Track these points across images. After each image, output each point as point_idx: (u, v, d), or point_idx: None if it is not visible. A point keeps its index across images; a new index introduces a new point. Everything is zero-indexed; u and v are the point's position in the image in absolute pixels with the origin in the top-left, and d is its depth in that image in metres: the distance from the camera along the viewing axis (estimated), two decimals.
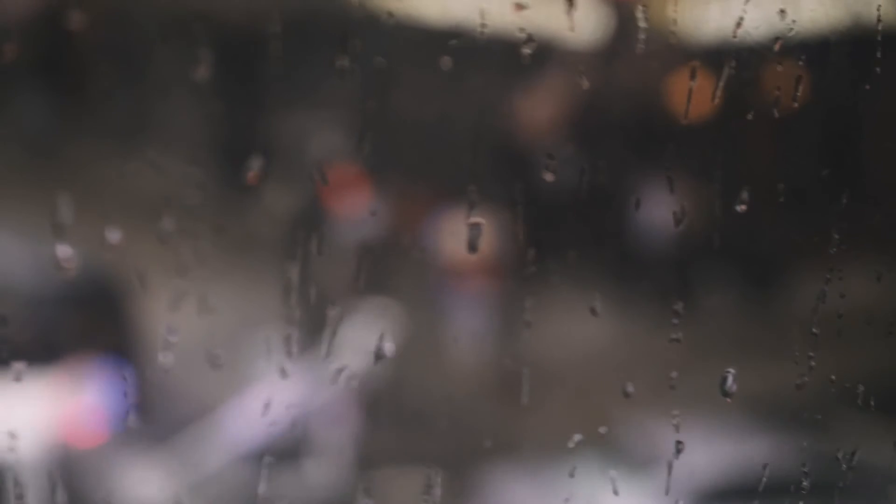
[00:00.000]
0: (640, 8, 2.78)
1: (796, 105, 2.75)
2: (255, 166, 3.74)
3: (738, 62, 2.56)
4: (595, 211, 5.76)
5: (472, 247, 3.70)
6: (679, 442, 2.96)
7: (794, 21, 2.63)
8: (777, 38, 2.60)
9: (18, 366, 2.83)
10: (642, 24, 2.72)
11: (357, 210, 6.17)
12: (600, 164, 3.66)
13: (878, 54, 2.86)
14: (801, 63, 2.74)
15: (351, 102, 4.56)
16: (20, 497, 2.95)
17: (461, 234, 3.63)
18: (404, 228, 6.42)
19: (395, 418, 6.22)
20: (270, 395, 5.18)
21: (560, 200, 4.11)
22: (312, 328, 4.94)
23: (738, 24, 2.51)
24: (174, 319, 3.04)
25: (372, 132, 4.27)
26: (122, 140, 6.88)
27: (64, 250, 2.70)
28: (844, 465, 3.12)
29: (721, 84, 2.71)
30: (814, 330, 2.91)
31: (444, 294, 6.85)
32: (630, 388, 3.35)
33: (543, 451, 5.28)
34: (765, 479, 3.14)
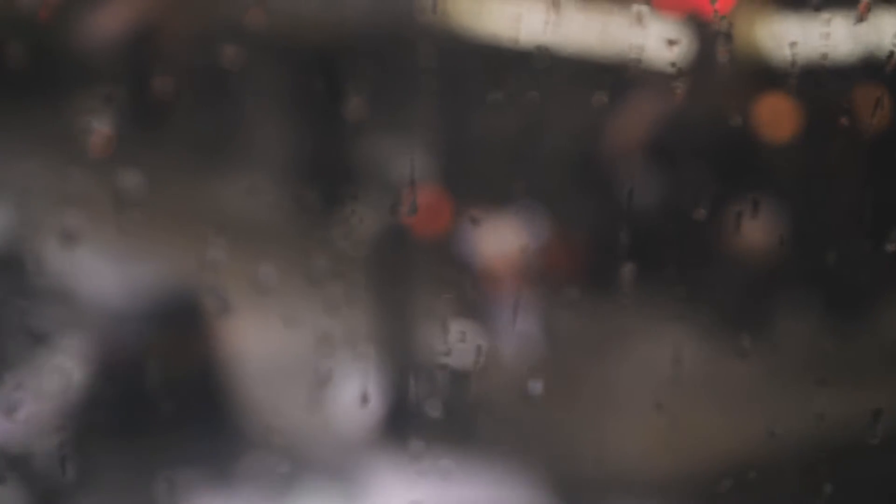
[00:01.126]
0: (791, 44, 2.80)
1: None
2: (408, 203, 3.79)
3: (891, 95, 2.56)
4: (741, 250, 5.74)
5: (621, 287, 3.72)
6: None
7: None
8: None
9: None
10: (790, 57, 2.74)
11: (508, 250, 6.20)
12: (748, 204, 3.66)
13: None
14: None
15: (505, 137, 4.60)
16: None
17: (610, 275, 3.65)
18: (554, 268, 6.43)
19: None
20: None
21: (709, 240, 4.11)
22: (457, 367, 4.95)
23: (890, 58, 2.52)
24: None
25: (525, 168, 4.30)
26: (281, 175, 7.01)
27: None
28: None
29: (874, 120, 2.71)
30: None
31: (590, 331, 6.85)
32: (777, 430, 3.34)
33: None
34: None
